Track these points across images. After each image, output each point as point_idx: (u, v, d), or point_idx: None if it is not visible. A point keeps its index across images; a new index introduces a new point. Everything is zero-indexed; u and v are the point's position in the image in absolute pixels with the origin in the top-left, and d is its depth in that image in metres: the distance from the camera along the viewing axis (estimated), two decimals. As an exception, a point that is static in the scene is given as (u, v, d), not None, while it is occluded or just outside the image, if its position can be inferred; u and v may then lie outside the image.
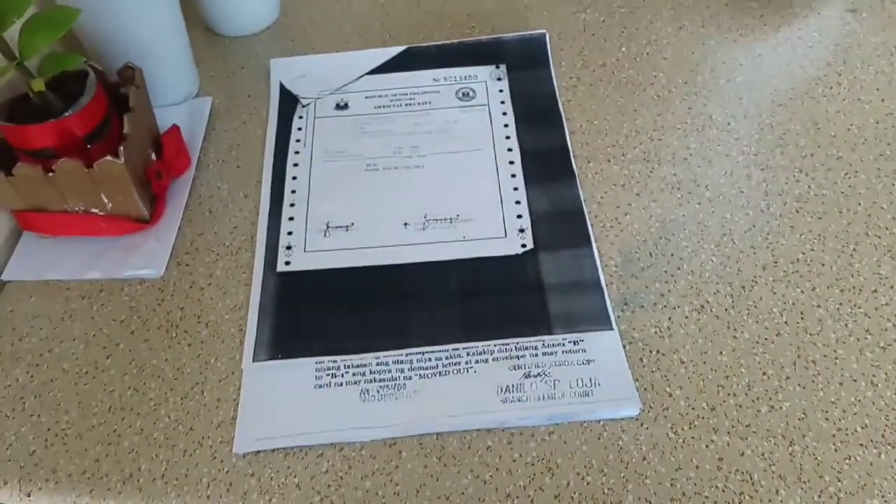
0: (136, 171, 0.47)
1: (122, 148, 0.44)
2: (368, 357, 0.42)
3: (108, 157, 0.44)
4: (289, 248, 0.48)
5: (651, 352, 0.42)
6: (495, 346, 0.42)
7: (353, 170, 0.52)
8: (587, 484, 0.37)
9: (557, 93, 0.56)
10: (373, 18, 0.63)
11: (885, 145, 0.51)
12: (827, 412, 0.39)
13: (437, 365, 0.42)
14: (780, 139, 0.52)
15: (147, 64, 0.51)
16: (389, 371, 0.42)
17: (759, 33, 0.59)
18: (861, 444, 0.38)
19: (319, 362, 0.42)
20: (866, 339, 0.41)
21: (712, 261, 0.46)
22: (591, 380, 0.41)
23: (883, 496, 0.36)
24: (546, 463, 0.38)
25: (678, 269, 0.45)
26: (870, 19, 0.59)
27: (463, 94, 0.57)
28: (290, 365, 0.42)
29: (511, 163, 0.52)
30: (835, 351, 0.41)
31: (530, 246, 0.47)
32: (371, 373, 0.42)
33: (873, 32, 0.58)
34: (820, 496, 0.36)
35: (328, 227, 0.49)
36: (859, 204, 0.48)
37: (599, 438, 0.39)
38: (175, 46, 0.56)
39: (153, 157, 0.50)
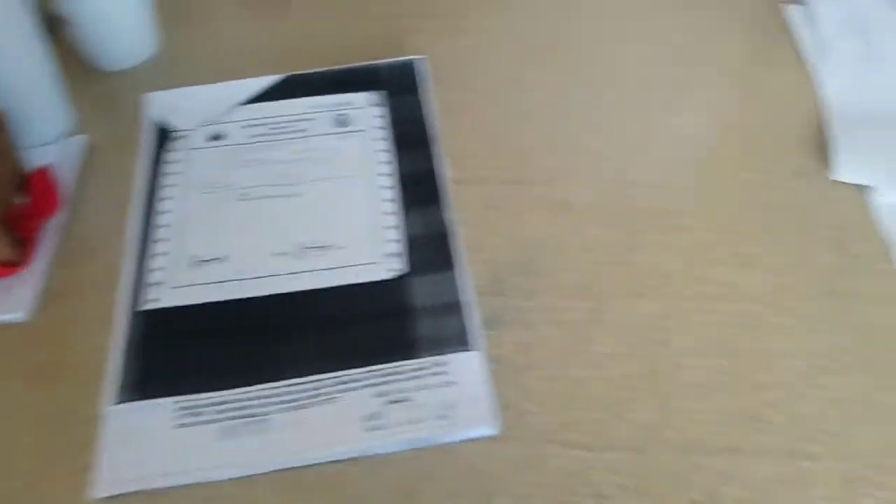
0: (-6, 216, 0.46)
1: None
2: (231, 393, 0.42)
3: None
4: (156, 284, 0.48)
5: (512, 370, 0.43)
6: (361, 374, 0.43)
7: (226, 201, 0.52)
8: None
9: (433, 117, 0.57)
10: (252, 48, 0.63)
11: (743, 157, 0.53)
12: (676, 422, 0.40)
13: (301, 397, 0.42)
14: (646, 156, 0.53)
15: (13, 104, 0.50)
16: (251, 407, 0.42)
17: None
18: (708, 453, 0.39)
19: (180, 401, 0.42)
20: (715, 347, 0.43)
21: (573, 277, 0.47)
22: (451, 402, 0.41)
23: None
24: (406, 489, 0.38)
25: (541, 286, 0.46)
26: (735, 35, 0.61)
27: (340, 120, 0.58)
28: (150, 406, 0.42)
29: (386, 188, 0.53)
30: (684, 361, 0.43)
31: (402, 270, 0.48)
32: (233, 409, 0.42)
33: (726, 41, 0.60)
34: (667, 504, 0.37)
35: (197, 260, 0.49)
36: (717, 216, 0.49)
37: (458, 460, 0.39)
38: (44, 84, 0.55)
39: (17, 199, 0.50)
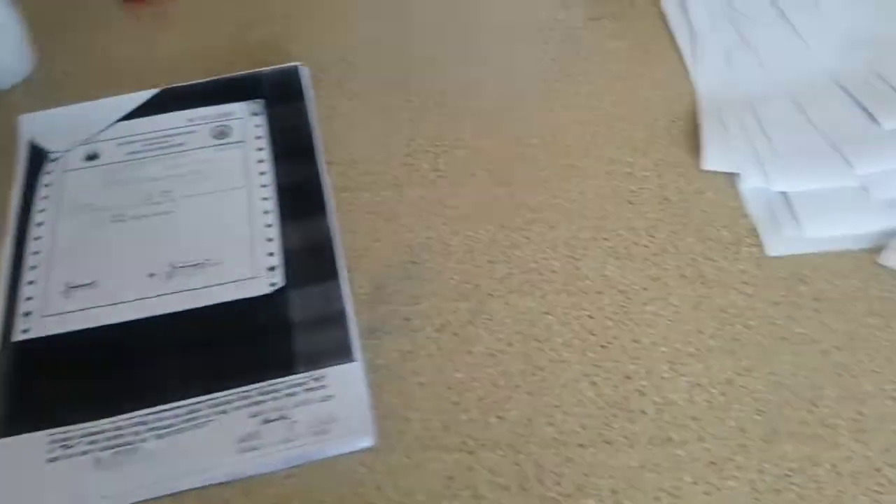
0: None
1: None
2: (104, 423, 0.41)
3: None
4: (27, 314, 0.46)
5: (393, 378, 0.43)
6: (236, 394, 0.42)
7: (100, 223, 0.51)
8: (322, 522, 0.38)
9: (314, 124, 0.56)
10: (130, 62, 0.62)
11: (615, 149, 0.54)
12: (550, 416, 0.41)
13: (176, 422, 0.41)
14: (520, 153, 0.54)
15: None
16: (125, 435, 0.41)
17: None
18: (580, 445, 0.40)
19: (51, 434, 0.41)
20: (589, 339, 0.44)
21: (454, 279, 0.47)
22: (329, 416, 0.41)
23: (598, 495, 0.38)
24: (282, 507, 0.38)
25: (423, 290, 0.47)
26: (611, 26, 0.62)
27: (219, 132, 0.57)
28: (20, 441, 0.41)
29: (265, 199, 0.52)
30: (560, 355, 0.43)
31: (280, 284, 0.47)
32: (106, 439, 0.41)
33: (613, 38, 0.62)
34: (542, 500, 0.38)
35: (68, 287, 0.47)
36: (588, 210, 0.50)
37: (336, 474, 0.39)
38: None
39: None
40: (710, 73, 0.58)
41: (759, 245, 0.48)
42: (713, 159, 0.52)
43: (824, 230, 0.48)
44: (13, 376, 0.43)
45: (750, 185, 0.50)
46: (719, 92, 0.57)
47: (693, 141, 0.54)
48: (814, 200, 0.49)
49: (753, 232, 0.49)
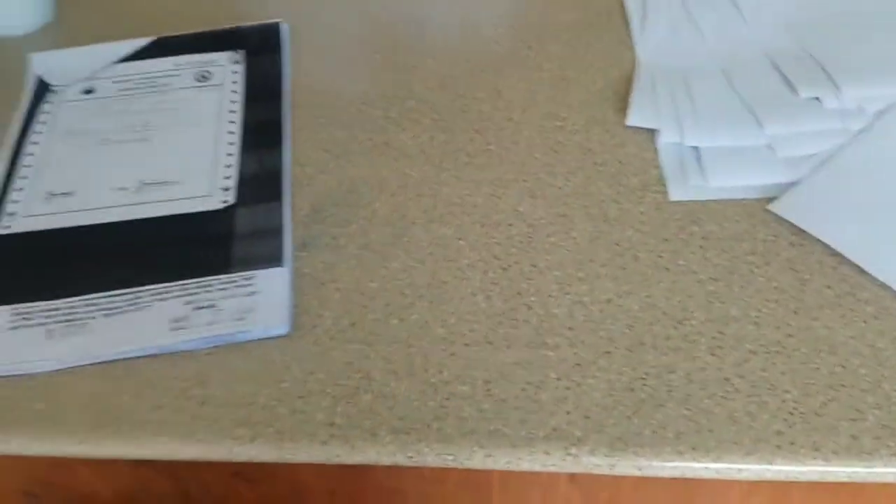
0: None
1: None
2: (60, 302, 0.48)
3: None
4: (11, 214, 0.53)
5: (314, 284, 0.48)
6: (176, 286, 0.48)
7: (86, 145, 0.58)
8: (233, 392, 0.43)
9: (286, 74, 0.63)
10: (135, 16, 0.69)
11: (552, 106, 0.59)
12: (444, 320, 0.46)
13: (121, 305, 0.48)
14: (465, 106, 0.59)
15: None
16: (76, 313, 0.47)
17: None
18: (465, 344, 0.45)
19: (15, 308, 0.48)
20: (492, 262, 0.49)
21: (386, 209, 0.53)
22: (252, 307, 0.47)
23: (473, 383, 0.43)
24: (200, 378, 0.44)
25: (354, 216, 0.52)
26: None
27: (201, 76, 0.63)
28: (-14, 312, 0.48)
29: (231, 133, 0.58)
30: (464, 273, 0.48)
31: (231, 202, 0.53)
32: (60, 315, 0.47)
33: (566, 10, 0.66)
34: (424, 384, 0.43)
35: (50, 194, 0.54)
36: (517, 156, 0.55)
37: (251, 356, 0.45)
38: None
39: None
40: (652, 43, 0.63)
41: (664, 192, 0.52)
42: (637, 116, 0.56)
43: (727, 181, 0.52)
44: (-9, 262, 0.50)
45: (666, 139, 0.55)
46: (658, 61, 0.61)
47: (625, 103, 0.58)
48: (721, 155, 0.53)
49: (661, 181, 0.53)
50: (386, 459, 0.41)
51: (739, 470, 0.40)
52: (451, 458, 0.41)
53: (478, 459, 0.40)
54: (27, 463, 0.50)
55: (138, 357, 0.45)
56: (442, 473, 0.48)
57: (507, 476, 0.47)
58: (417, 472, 0.47)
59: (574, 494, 0.49)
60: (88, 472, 0.51)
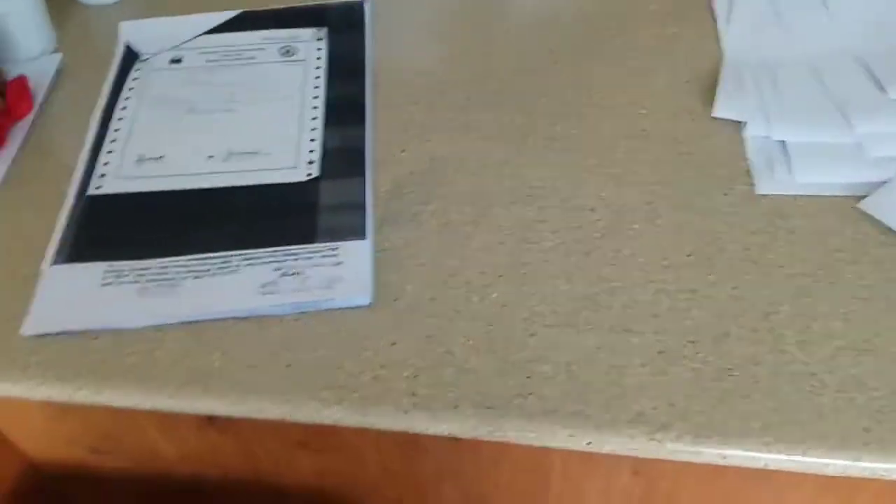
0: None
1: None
2: (152, 262, 0.49)
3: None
4: (102, 175, 0.55)
5: (396, 259, 0.49)
6: (264, 252, 0.50)
7: (175, 113, 0.59)
8: (317, 357, 0.44)
9: (369, 52, 0.63)
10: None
11: (638, 94, 0.58)
12: (525, 301, 0.46)
13: (211, 268, 0.49)
14: (547, 90, 0.59)
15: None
16: (168, 274, 0.49)
17: None
18: (546, 325, 0.45)
19: (108, 267, 0.49)
20: (574, 247, 0.49)
21: (467, 188, 0.53)
22: (337, 277, 0.48)
23: (555, 363, 0.43)
24: (285, 342, 0.45)
25: (436, 194, 0.53)
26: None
27: (286, 51, 0.64)
28: (82, 268, 0.49)
29: (315, 108, 0.59)
30: (546, 256, 0.49)
31: (316, 175, 0.54)
32: (152, 275, 0.49)
33: (650, 1, 0.66)
34: (504, 362, 0.43)
35: (141, 158, 0.56)
36: (601, 142, 0.55)
37: (334, 322, 0.46)
38: (27, 6, 0.63)
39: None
40: (738, 37, 0.62)
41: (751, 185, 0.52)
42: (724, 107, 0.56)
43: (815, 177, 0.51)
44: (85, 220, 0.52)
45: (753, 132, 0.54)
46: (744, 55, 0.61)
47: (711, 94, 0.58)
48: (808, 150, 0.52)
49: (748, 174, 0.52)
50: (468, 432, 0.41)
51: (826, 464, 0.39)
52: (533, 435, 0.41)
53: (560, 439, 0.41)
54: (95, 418, 0.52)
55: (226, 318, 0.46)
56: (500, 455, 0.49)
57: (568, 462, 0.47)
58: (475, 453, 0.48)
59: (635, 488, 0.49)
60: (156, 431, 0.53)
